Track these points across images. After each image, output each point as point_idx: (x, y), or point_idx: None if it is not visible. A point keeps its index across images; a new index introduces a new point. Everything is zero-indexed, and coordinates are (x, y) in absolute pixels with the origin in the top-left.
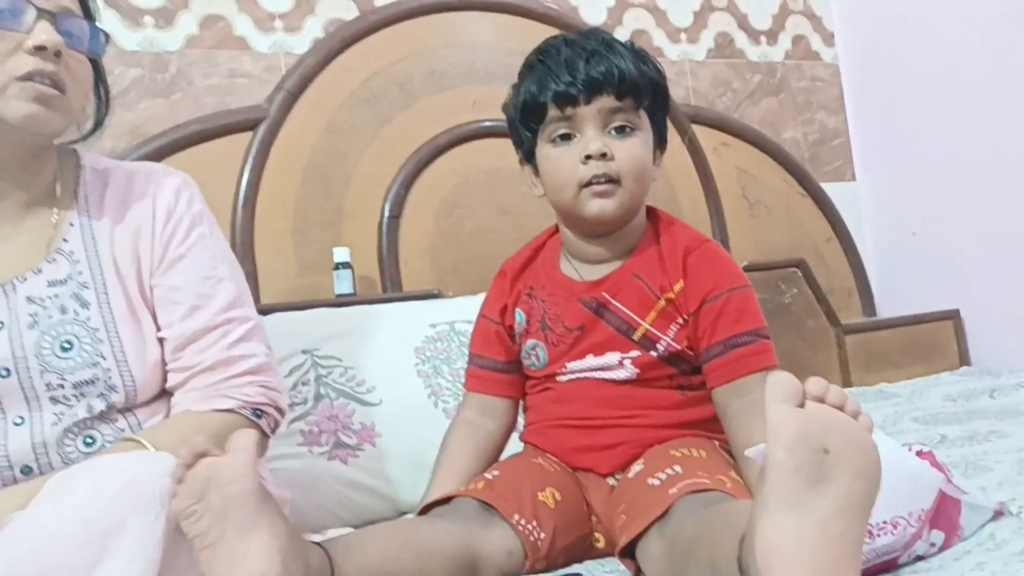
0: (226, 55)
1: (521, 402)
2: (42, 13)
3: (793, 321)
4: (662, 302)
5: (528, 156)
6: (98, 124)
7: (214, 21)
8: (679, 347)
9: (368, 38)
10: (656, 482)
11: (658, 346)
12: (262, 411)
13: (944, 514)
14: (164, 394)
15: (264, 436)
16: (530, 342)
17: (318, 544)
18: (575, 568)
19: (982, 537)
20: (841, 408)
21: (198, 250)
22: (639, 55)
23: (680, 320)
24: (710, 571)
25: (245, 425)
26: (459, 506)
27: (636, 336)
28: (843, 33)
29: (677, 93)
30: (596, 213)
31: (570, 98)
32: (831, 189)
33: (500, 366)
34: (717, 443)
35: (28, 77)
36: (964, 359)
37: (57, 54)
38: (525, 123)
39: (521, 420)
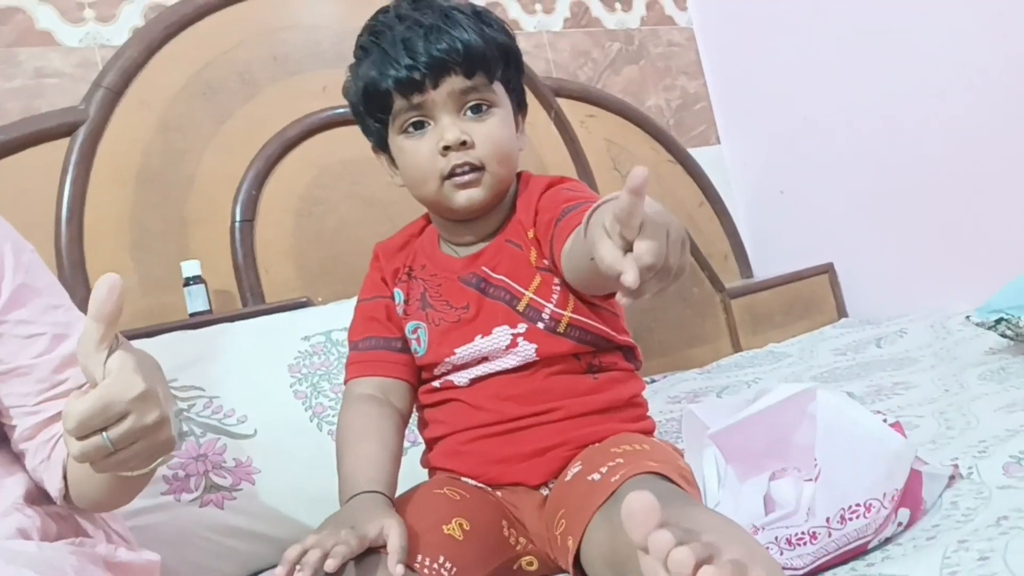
0: (29, 52)
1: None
2: None
3: (679, 290)
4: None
5: (381, 145)
6: None
7: (10, 14)
8: (564, 312)
9: (197, 24)
10: (597, 476)
11: (543, 315)
12: None
13: (909, 490)
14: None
15: None
16: (411, 324)
17: None
18: None
19: (945, 508)
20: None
21: (37, 277)
22: (481, 18)
23: (557, 281)
24: None
25: None
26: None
27: (520, 307)
28: None
29: (538, 66)
30: (464, 205)
31: (414, 84)
32: (698, 154)
33: (393, 344)
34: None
35: None
36: (841, 311)
37: None
38: (371, 113)
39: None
